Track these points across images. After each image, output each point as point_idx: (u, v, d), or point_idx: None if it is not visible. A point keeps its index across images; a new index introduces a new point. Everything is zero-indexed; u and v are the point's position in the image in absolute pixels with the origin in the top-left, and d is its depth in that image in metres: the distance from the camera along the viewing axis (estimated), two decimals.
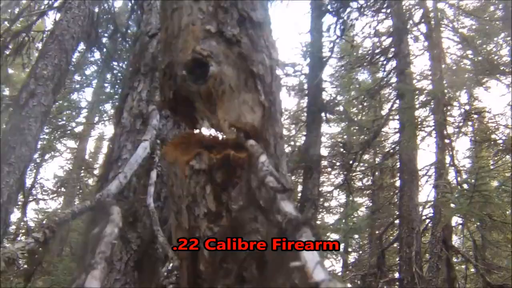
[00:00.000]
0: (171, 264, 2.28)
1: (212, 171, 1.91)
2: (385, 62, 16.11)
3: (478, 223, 12.45)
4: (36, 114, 7.85)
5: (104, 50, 12.64)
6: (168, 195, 2.36)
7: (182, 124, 4.07)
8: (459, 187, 10.65)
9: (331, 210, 21.66)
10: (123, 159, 3.89)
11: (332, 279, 1.12)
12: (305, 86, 15.68)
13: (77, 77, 17.88)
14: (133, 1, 11.58)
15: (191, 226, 1.96)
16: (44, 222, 1.99)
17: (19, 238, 16.03)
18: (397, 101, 14.65)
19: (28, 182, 17.99)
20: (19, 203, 14.65)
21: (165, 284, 2.19)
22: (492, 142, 14.32)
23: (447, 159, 13.04)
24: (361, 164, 19.18)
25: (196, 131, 2.13)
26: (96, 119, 19.75)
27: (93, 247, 2.06)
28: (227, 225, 1.89)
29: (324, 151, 18.09)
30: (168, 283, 2.18)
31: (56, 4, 11.45)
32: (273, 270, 1.87)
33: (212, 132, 2.06)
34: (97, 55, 13.83)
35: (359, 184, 20.87)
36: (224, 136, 2.05)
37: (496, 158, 14.27)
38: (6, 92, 16.79)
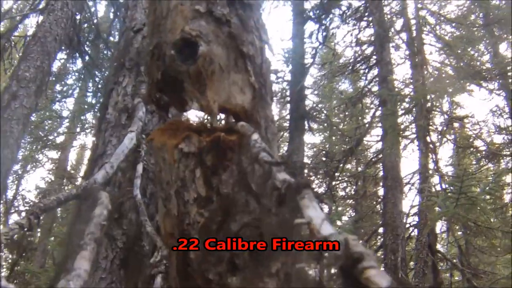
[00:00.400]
0: (159, 254, 2.21)
1: (202, 154, 1.86)
2: (366, 70, 16.17)
3: (463, 230, 12.49)
4: (18, 116, 7.74)
5: (86, 57, 12.56)
6: (156, 181, 2.30)
7: (168, 118, 4.03)
8: (443, 192, 10.65)
9: None
10: (108, 155, 3.83)
11: (341, 231, 1.07)
12: (288, 93, 15.65)
13: (58, 87, 17.77)
14: (115, 7, 11.53)
15: (180, 212, 1.90)
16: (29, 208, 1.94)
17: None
18: (380, 109, 14.67)
19: (10, 193, 17.86)
20: (1, 215, 14.54)
21: (154, 273, 2.13)
22: (475, 149, 14.38)
23: (431, 166, 13.07)
24: (344, 173, 19.20)
25: (184, 118, 2.08)
26: (78, 129, 19.62)
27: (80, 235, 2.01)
28: (217, 209, 1.84)
29: (307, 160, 18.06)
30: (156, 272, 2.12)
31: (39, 7, 11.37)
32: (266, 256, 1.82)
33: (201, 116, 2.01)
34: (79, 62, 13.73)
35: (342, 193, 20.86)
36: (213, 123, 2.00)
37: (478, 165, 14.32)
38: None
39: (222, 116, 2.04)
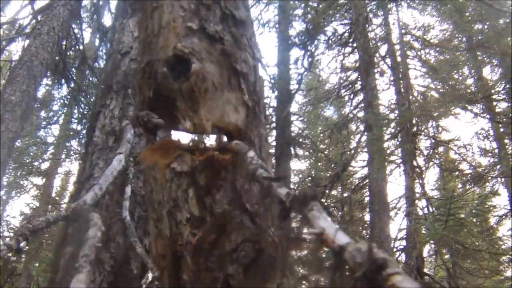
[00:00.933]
0: (150, 275, 2.17)
1: (194, 174, 1.83)
2: (352, 96, 16.23)
3: (451, 253, 12.47)
4: (4, 140, 7.65)
5: (72, 83, 12.50)
6: (147, 202, 2.27)
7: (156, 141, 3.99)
8: (431, 214, 10.65)
9: None
10: (95, 178, 3.79)
11: (358, 240, 1.04)
12: (274, 119, 15.65)
13: (43, 113, 17.69)
14: (101, 32, 11.52)
15: (172, 233, 1.87)
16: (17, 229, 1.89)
17: None
18: (365, 134, 14.70)
19: None
20: None
21: None
22: (460, 173, 14.42)
23: (417, 189, 13.08)
24: (330, 199, 19.19)
25: (176, 138, 2.05)
26: (63, 155, 19.51)
27: (64, 266, 1.96)
28: (210, 228, 1.80)
29: (293, 186, 18.02)
30: None
31: (25, 31, 11.33)
32: (262, 276, 1.78)
33: (192, 138, 1.98)
34: (64, 88, 13.66)
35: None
36: (205, 143, 1.97)
37: (464, 188, 14.34)
38: None
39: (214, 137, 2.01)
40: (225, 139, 1.98)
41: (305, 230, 1.31)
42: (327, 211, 1.25)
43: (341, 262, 1.06)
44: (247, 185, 1.77)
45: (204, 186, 1.83)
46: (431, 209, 11.48)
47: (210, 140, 2.00)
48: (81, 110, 13.33)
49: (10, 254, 1.79)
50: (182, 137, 2.03)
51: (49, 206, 20.49)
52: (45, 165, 20.33)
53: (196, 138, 1.99)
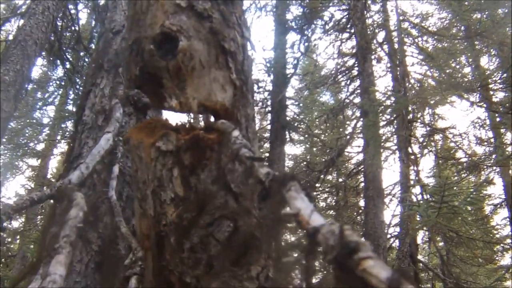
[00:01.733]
0: (134, 255, 2.15)
1: (179, 153, 1.81)
2: (348, 82, 16.19)
3: (444, 240, 12.48)
4: None
5: (67, 64, 12.45)
6: (132, 181, 2.24)
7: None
8: (425, 201, 10.64)
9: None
10: (84, 156, 3.76)
11: (333, 222, 1.01)
12: (269, 103, 15.61)
13: (39, 95, 17.63)
14: (97, 12, 11.46)
15: (157, 212, 1.85)
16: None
17: None
18: (361, 120, 14.67)
19: None
20: None
21: (128, 275, 2.06)
22: (456, 161, 14.41)
23: (412, 176, 13.08)
24: (325, 184, 19.20)
25: (162, 118, 2.02)
26: (58, 137, 19.46)
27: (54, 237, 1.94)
28: (190, 205, 1.78)
29: (287, 171, 18.01)
30: (131, 274, 2.05)
31: (20, 11, 11.28)
32: (246, 259, 1.77)
33: (179, 115, 1.96)
34: (60, 69, 13.61)
35: (323, 203, 20.85)
36: (191, 122, 1.94)
37: (459, 177, 14.33)
38: None
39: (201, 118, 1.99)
40: (212, 118, 1.95)
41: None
42: (305, 191, 1.22)
43: (314, 244, 1.03)
44: (231, 165, 1.75)
45: (189, 166, 1.81)
46: (425, 196, 11.48)
47: (199, 121, 1.98)
48: (76, 91, 13.28)
49: None
50: (171, 117, 2.01)
51: (44, 187, 20.49)
52: (40, 146, 20.32)
53: (186, 118, 1.97)
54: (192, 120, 1.97)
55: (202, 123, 1.96)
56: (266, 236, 1.68)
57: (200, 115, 1.96)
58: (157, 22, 1.93)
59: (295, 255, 1.29)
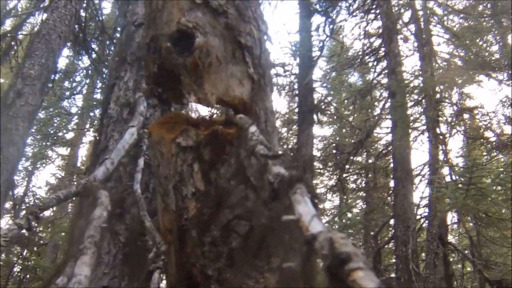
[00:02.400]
0: (158, 249, 2.18)
1: (199, 148, 1.83)
2: (375, 63, 16.08)
3: (473, 222, 12.40)
4: (23, 114, 7.71)
5: (93, 54, 12.54)
6: (154, 176, 2.27)
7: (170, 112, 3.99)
8: (453, 183, 10.56)
9: (325, 212, 21.56)
10: (110, 150, 3.78)
11: (331, 229, 1.02)
12: (296, 86, 15.59)
13: (67, 84, 17.79)
14: (120, 3, 11.50)
15: (178, 207, 1.87)
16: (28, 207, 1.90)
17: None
18: (389, 101, 14.58)
19: (20, 190, 17.94)
20: (12, 212, 14.59)
21: (152, 269, 2.09)
22: (485, 140, 14.26)
23: (441, 157, 12.98)
24: (354, 165, 19.17)
25: (183, 111, 2.04)
26: (87, 125, 19.65)
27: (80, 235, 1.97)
28: (209, 200, 1.80)
29: (316, 153, 18.02)
30: (154, 268, 2.08)
31: (43, 5, 11.36)
32: (266, 252, 1.78)
33: (200, 109, 1.98)
34: (85, 59, 13.73)
35: (353, 185, 20.82)
36: (212, 116, 1.96)
37: (489, 156, 14.19)
38: None
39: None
40: (231, 112, 1.97)
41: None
42: (311, 194, 1.23)
43: (311, 251, 1.04)
44: (248, 161, 1.77)
45: (209, 161, 1.83)
46: (454, 177, 11.39)
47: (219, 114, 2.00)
48: (104, 81, 13.38)
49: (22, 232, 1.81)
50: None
51: (74, 175, 20.70)
52: (69, 135, 20.52)
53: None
54: (212, 113, 1.99)
55: (221, 115, 1.98)
56: (272, 236, 1.70)
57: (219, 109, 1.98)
58: (173, 19, 1.94)
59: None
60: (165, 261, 2.06)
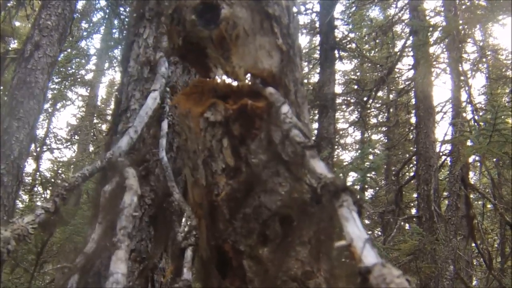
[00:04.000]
0: (189, 224, 2.15)
1: (228, 123, 1.78)
2: None
3: (495, 160, 12.33)
4: (42, 66, 7.69)
5: None
6: (182, 150, 2.23)
7: (193, 70, 3.92)
8: (476, 125, 10.47)
9: (347, 147, 21.64)
10: (132, 110, 3.73)
11: (385, 263, 0.98)
12: (317, 24, 15.44)
13: (84, 25, 17.67)
14: None
15: (208, 182, 1.84)
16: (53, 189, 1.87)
17: (35, 189, 16.11)
18: (411, 38, 14.39)
19: (41, 132, 18.13)
20: (34, 154, 14.70)
21: (184, 246, 2.07)
22: (508, 79, 14.09)
23: (463, 96, 12.87)
24: (376, 101, 19.09)
25: (209, 78, 1.99)
26: (106, 65, 19.62)
27: (104, 205, 1.94)
28: (244, 181, 1.77)
29: (338, 89, 17.93)
30: (186, 245, 2.06)
31: None
32: (299, 226, 1.76)
33: (226, 79, 1.92)
34: (102, 2, 13.61)
35: (374, 120, 20.81)
36: (241, 86, 1.90)
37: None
38: (15, 45, 16.62)
39: None
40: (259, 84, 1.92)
41: None
42: (358, 206, 1.19)
43: (365, 284, 1.00)
44: (282, 144, 1.72)
45: (238, 136, 1.78)
46: (476, 118, 11.30)
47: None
48: (122, 20, 13.26)
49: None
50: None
51: (94, 115, 20.79)
52: (89, 76, 20.53)
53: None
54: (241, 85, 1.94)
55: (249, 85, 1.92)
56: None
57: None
58: None
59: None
60: (196, 236, 2.04)
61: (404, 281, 0.89)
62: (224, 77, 1.90)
